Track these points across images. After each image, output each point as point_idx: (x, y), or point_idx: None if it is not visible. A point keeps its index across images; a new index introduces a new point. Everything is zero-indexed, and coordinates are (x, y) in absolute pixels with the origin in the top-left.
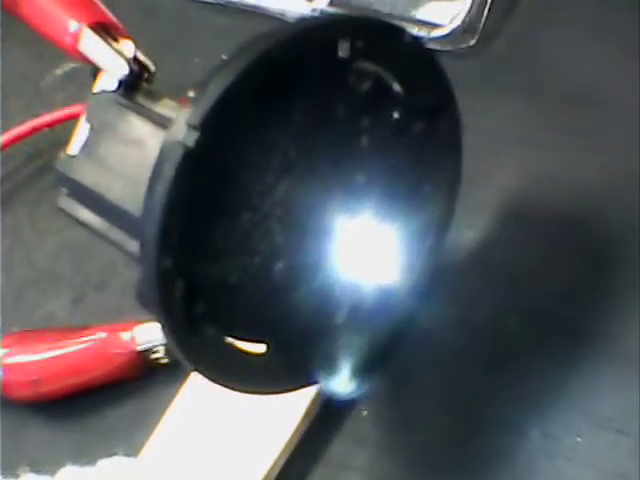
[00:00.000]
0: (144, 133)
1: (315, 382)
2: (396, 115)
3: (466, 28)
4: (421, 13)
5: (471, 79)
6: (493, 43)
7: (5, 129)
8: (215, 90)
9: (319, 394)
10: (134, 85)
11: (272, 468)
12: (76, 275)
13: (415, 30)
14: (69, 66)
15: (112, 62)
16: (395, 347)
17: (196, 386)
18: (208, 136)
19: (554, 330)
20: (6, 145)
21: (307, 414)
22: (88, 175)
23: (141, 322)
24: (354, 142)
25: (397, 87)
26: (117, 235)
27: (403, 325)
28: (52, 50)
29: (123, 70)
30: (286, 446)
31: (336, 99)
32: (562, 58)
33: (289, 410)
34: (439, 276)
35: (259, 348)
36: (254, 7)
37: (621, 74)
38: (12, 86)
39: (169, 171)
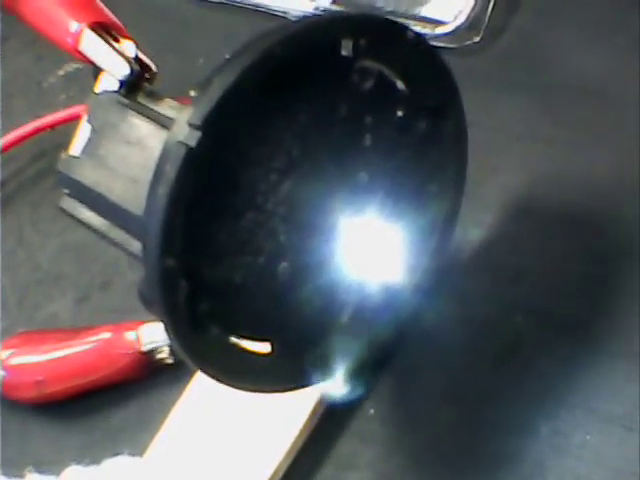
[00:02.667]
0: (146, 133)
1: (320, 381)
2: (400, 113)
3: (470, 25)
4: (425, 10)
5: (476, 76)
6: (497, 40)
7: (7, 130)
8: (217, 89)
9: (325, 393)
10: (136, 85)
11: (278, 468)
12: (79, 276)
13: (419, 28)
14: (71, 67)
15: (113, 62)
16: (400, 346)
17: (201, 386)
18: (210, 136)
19: (561, 328)
20: (8, 146)
21: (313, 413)
22: (90, 175)
23: (145, 322)
24: (358, 141)
25: (401, 85)
26: (119, 235)
27: (408, 324)
28: (54, 51)
29: (124, 70)
30: (292, 445)
31: (339, 98)
32: (567, 54)
33: (295, 409)
34: (444, 275)
35: (264, 347)
36: (257, 6)
37: (628, 70)
38: (14, 87)
39: (171, 171)
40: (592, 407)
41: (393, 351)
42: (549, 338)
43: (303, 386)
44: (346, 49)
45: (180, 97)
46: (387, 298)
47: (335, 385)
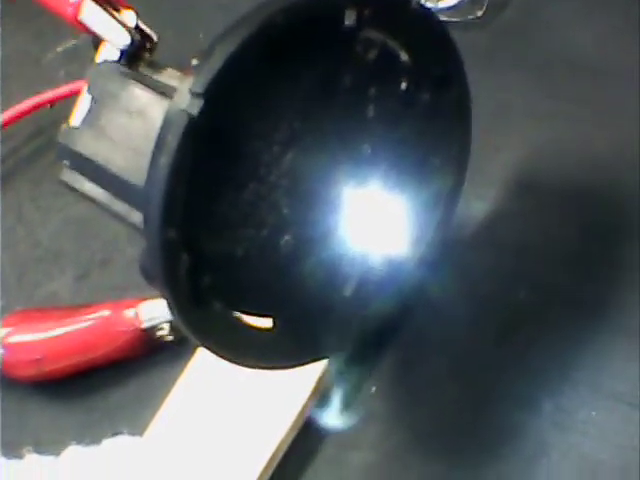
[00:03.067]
0: (147, 103)
1: (323, 357)
2: (404, 85)
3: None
4: None
5: (478, 51)
6: (500, 15)
7: (6, 107)
8: (219, 57)
9: (327, 370)
10: (136, 55)
11: (279, 447)
12: (79, 253)
13: (423, 1)
14: (70, 43)
15: (114, 32)
16: (404, 320)
17: (201, 364)
18: (212, 105)
19: (565, 303)
20: (7, 123)
21: (315, 391)
22: (90, 146)
23: (145, 299)
24: (361, 112)
25: (404, 56)
26: (120, 207)
27: (412, 297)
28: (53, 27)
29: (125, 40)
30: (294, 424)
31: (343, 68)
32: (568, 30)
33: (296, 388)
34: (448, 248)
35: (267, 323)
36: None
37: (629, 45)
38: (13, 64)
39: (173, 140)
40: (596, 383)
41: (396, 326)
42: (552, 313)
43: (307, 362)
44: (349, 19)
45: (183, 68)
46: (390, 271)
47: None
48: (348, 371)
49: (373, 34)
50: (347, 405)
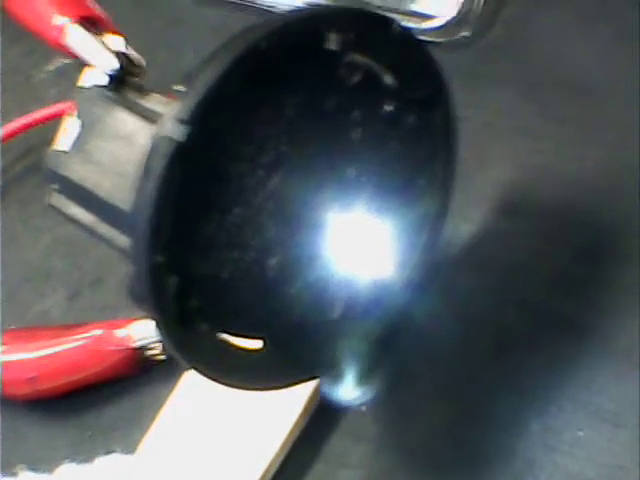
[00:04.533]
0: (133, 128)
1: (312, 377)
2: (388, 107)
3: (461, 19)
4: (415, 5)
5: (465, 71)
6: (487, 34)
7: None
8: (203, 83)
9: (317, 390)
10: (124, 80)
11: (270, 465)
12: (70, 272)
13: (409, 22)
14: (61, 62)
15: (100, 56)
16: (392, 342)
17: (192, 382)
18: (197, 130)
19: (552, 323)
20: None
21: (305, 410)
22: (78, 171)
23: (136, 319)
24: (346, 135)
25: (389, 79)
26: (109, 231)
27: (399, 320)
28: (44, 45)
29: (111, 64)
30: (284, 443)
31: (327, 92)
32: (558, 47)
33: (287, 407)
34: (435, 270)
35: (255, 344)
36: (248, 0)
37: (618, 62)
38: (3, 82)
39: (158, 166)
40: (583, 403)
41: (386, 347)
42: (540, 333)
43: (296, 383)
44: (332, 43)
45: (169, 92)
46: (377, 294)
47: (330, 383)
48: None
49: (357, 58)
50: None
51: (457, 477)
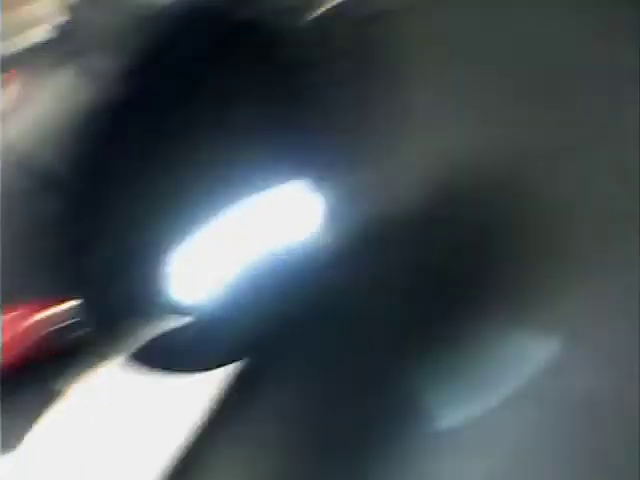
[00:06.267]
0: None
1: (234, 360)
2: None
3: None
4: None
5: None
6: None
7: None
8: None
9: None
10: None
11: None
12: None
13: None
14: None
15: None
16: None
17: (86, 382)
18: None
19: None
20: None
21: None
22: None
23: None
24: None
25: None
26: None
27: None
28: None
29: None
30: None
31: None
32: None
33: (192, 399)
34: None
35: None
36: None
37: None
38: None
39: None
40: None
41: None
42: None
43: (219, 366)
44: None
45: None
46: (294, 268)
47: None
48: None
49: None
50: None
51: None
